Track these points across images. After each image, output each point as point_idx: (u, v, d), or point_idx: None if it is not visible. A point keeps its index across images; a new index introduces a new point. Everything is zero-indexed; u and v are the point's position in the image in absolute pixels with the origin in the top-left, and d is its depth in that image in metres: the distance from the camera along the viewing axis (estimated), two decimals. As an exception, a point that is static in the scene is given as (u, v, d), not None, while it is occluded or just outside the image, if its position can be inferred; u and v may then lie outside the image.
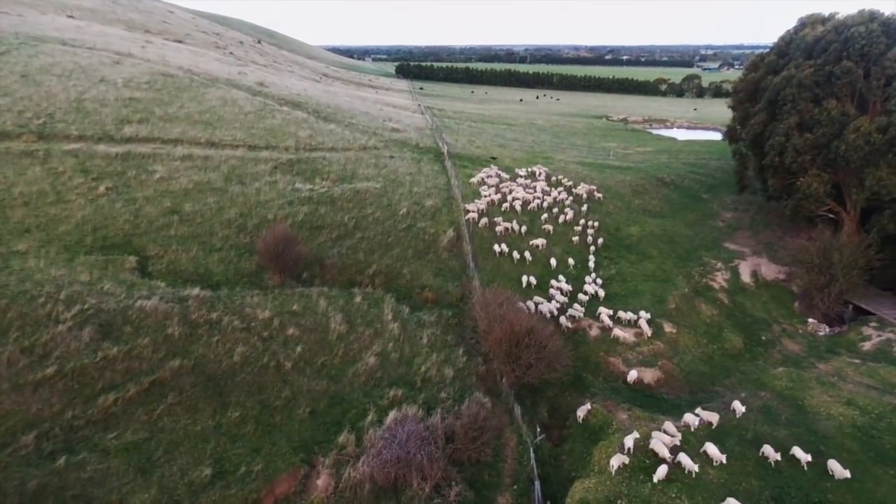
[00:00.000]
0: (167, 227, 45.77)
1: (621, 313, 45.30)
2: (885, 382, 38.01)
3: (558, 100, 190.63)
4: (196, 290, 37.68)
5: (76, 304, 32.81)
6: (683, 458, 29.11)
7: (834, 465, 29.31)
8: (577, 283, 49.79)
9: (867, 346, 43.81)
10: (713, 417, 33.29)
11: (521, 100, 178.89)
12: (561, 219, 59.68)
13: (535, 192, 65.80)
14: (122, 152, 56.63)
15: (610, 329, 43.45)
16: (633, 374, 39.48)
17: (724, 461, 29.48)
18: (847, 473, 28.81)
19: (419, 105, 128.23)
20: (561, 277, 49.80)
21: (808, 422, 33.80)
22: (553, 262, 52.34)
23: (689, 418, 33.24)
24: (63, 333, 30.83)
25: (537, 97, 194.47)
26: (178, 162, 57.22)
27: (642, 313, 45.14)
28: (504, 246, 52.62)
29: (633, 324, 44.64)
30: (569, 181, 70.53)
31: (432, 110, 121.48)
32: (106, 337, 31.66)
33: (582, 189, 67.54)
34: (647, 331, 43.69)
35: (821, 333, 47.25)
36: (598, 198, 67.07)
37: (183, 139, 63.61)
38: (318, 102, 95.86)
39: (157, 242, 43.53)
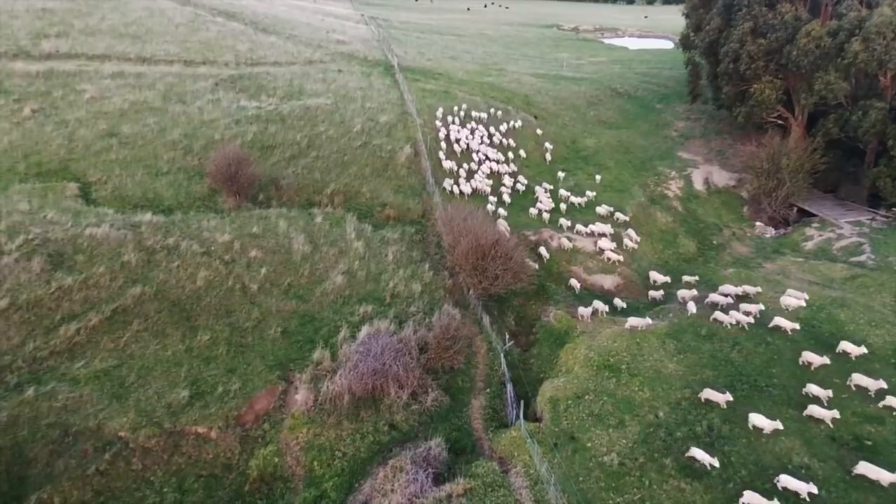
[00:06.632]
0: (106, 150, 43.00)
1: (580, 226, 46.14)
2: (824, 277, 40.79)
3: (507, 8, 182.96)
4: (148, 216, 36.15)
5: (20, 235, 30.87)
6: None
7: (755, 419, 26.89)
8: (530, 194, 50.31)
9: (809, 245, 46.53)
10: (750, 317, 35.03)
11: (468, 8, 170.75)
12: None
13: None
14: (44, 70, 51.81)
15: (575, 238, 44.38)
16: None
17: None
18: (778, 424, 26.46)
19: (362, 15, 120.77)
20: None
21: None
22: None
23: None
24: (10, 265, 29.12)
25: (485, 5, 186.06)
26: (108, 80, 52.93)
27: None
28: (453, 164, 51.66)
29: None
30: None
31: (377, 20, 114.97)
32: (58, 267, 30.12)
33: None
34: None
35: (767, 235, 49.74)
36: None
37: (110, 55, 58.53)
38: (255, 12, 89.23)
39: (98, 167, 41.03)
